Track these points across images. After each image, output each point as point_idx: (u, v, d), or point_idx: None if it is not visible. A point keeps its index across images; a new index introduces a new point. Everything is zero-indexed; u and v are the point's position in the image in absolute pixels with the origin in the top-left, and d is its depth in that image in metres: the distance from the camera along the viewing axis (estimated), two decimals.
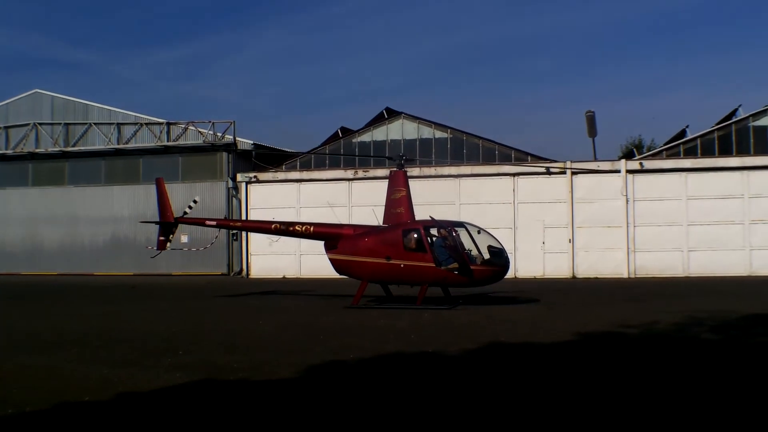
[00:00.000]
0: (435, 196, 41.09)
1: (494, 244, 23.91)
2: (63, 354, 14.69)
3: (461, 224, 24.51)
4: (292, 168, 45.78)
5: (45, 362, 13.72)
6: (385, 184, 26.09)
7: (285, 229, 26.48)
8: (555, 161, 41.97)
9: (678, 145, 42.32)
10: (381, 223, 25.06)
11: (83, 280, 43.12)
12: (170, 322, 20.48)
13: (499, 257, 23.73)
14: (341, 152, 45.06)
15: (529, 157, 43.02)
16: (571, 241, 40.76)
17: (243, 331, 18.13)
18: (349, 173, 43.93)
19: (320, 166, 45.40)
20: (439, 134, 44.27)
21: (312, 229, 25.91)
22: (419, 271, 23.29)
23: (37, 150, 50.71)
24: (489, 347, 14.89)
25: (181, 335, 17.37)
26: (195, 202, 29.43)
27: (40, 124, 50.89)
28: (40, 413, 9.87)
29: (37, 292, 33.71)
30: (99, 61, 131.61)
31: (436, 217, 24.26)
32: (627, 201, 40.36)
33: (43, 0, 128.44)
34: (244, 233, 44.77)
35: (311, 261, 42.28)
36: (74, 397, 10.71)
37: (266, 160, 46.93)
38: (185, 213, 28.66)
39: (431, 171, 42.72)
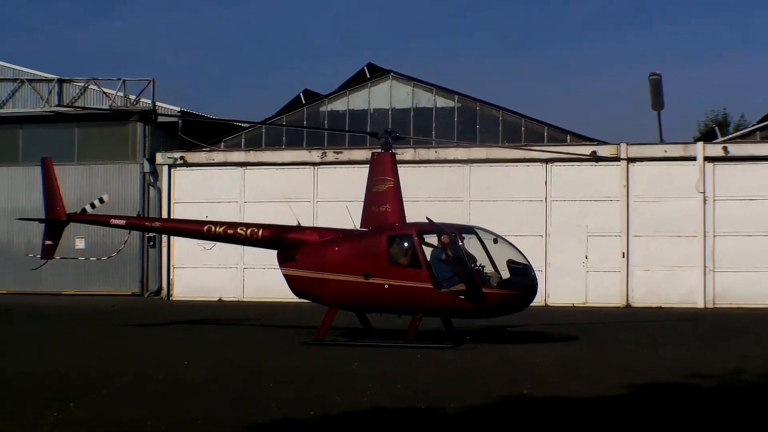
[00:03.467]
0: (435, 190, 41.15)
1: (516, 257, 23.98)
2: None
3: (471, 229, 24.55)
4: (235, 147, 45.73)
5: None
6: (364, 171, 26.13)
7: (223, 232, 26.46)
8: (604, 143, 42.08)
9: None
10: (358, 226, 25.12)
11: None
12: (58, 360, 20.42)
13: (522, 276, 23.80)
14: (304, 125, 45.07)
15: (568, 137, 43.12)
16: (626, 255, 40.90)
17: (161, 375, 18.12)
18: (315, 155, 43.95)
19: (274, 144, 45.37)
20: (442, 102, 44.35)
21: (261, 232, 25.91)
22: (411, 294, 23.32)
23: None
24: (505, 403, 14.95)
25: (74, 379, 17.34)
26: (102, 201, 29.34)
27: None
28: None
29: None
30: None
31: (436, 220, 24.31)
32: (705, 200, 40.50)
33: None
34: (164, 237, 44.68)
35: (259, 277, 42.25)
36: None
37: (198, 134, 46.72)
38: (84, 211, 28.61)
39: (430, 154, 42.81)
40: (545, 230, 41.48)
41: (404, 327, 24.29)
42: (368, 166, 25.61)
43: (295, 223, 26.88)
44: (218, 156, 45.32)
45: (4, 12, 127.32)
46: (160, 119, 47.09)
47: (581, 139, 42.80)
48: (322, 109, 45.49)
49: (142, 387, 16.53)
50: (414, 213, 25.78)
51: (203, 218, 30.48)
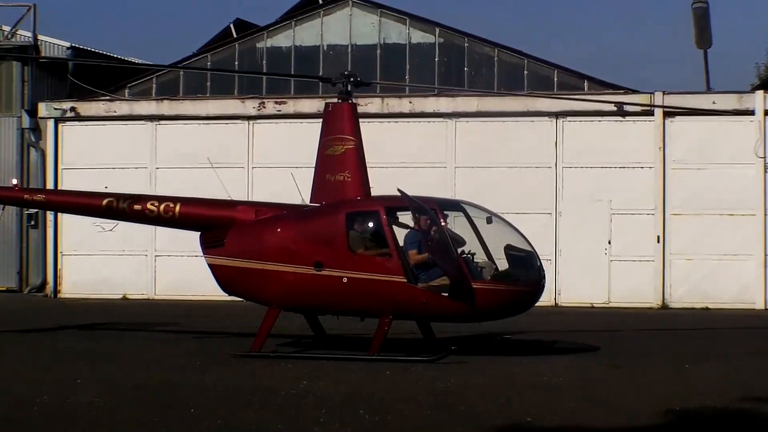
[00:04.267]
0: (411, 153, 41.27)
1: (517, 242, 24.07)
2: None
3: (457, 205, 24.67)
4: (144, 94, 45.63)
5: None
6: (315, 127, 26.15)
7: (128, 207, 26.39)
8: (633, 91, 42.25)
9: None
10: (307, 201, 25.15)
11: None
12: None
13: (525, 267, 23.96)
14: (236, 66, 44.98)
15: (585, 82, 43.22)
16: (661, 239, 41.08)
17: (44, 398, 18.05)
18: (250, 106, 43.87)
19: (196, 92, 45.31)
20: (419, 37, 44.34)
21: (178, 208, 25.86)
22: (377, 290, 23.36)
23: None
24: None
25: None
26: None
27: None
28: None
29: None
30: None
31: (411, 192, 24.32)
32: (766, 168, 40.69)
33: None
34: (50, 214, 44.55)
35: (175, 268, 42.40)
36: None
37: (95, 79, 46.58)
38: None
39: (403, 105, 42.84)
40: (555, 207, 41.67)
41: (369, 334, 24.35)
42: (320, 120, 25.59)
43: (224, 196, 26.89)
44: (121, 107, 45.17)
45: None
46: (44, 58, 46.91)
47: (603, 86, 42.97)
48: (260, 45, 45.41)
49: (19, 415, 16.46)
50: (381, 183, 25.79)
51: (102, 189, 30.43)
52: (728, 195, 40.66)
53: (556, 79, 43.30)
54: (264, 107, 43.74)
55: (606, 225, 41.31)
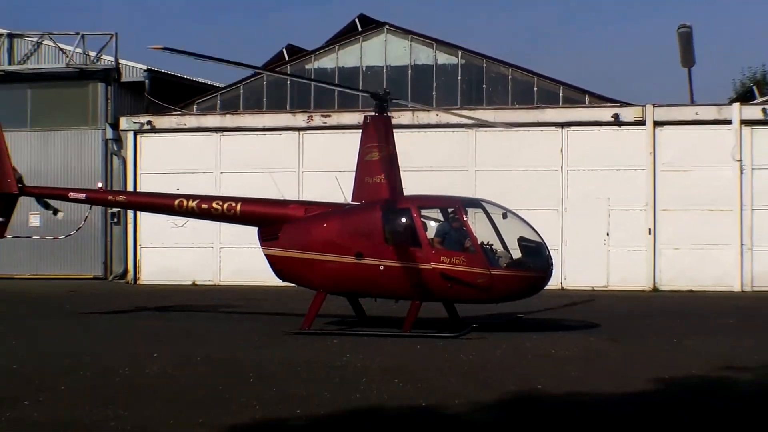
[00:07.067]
0: (437, 158, 41.21)
1: (528, 235, 24.01)
2: None
3: (477, 203, 24.55)
4: (210, 110, 45.65)
5: None
6: (355, 136, 26.10)
7: (196, 206, 26.41)
8: (627, 104, 42.04)
9: None
10: (349, 200, 25.13)
11: None
12: (8, 352, 20.42)
13: (536, 256, 23.86)
14: (288, 86, 44.98)
15: (586, 97, 43.07)
16: (652, 232, 40.94)
17: (125, 369, 18.08)
18: (300, 119, 43.88)
19: (254, 107, 45.30)
20: (444, 59, 44.28)
21: (239, 207, 25.88)
22: (409, 276, 23.39)
23: None
24: (517, 400, 14.96)
25: (27, 375, 17.32)
26: (55, 212, 29.49)
27: None
28: None
29: None
30: None
31: (438, 192, 24.31)
32: (742, 169, 40.51)
33: None
34: (130, 213, 44.65)
35: (237, 258, 42.34)
36: None
37: (168, 96, 46.67)
38: (46, 202, 28.68)
39: (431, 117, 42.71)
40: (561, 204, 41.52)
41: (402, 314, 24.33)
42: (360, 131, 25.55)
43: (278, 197, 26.90)
44: (190, 120, 45.23)
45: None
46: (124, 79, 47.09)
47: (601, 100, 42.78)
48: (308, 66, 45.42)
49: (104, 383, 16.50)
50: (412, 184, 25.75)
51: (174, 191, 30.47)
52: (709, 193, 40.49)
53: (561, 94, 43.17)
54: (312, 120, 43.72)
55: (605, 219, 41.17)
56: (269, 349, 21.38)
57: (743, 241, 40.34)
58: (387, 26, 44.94)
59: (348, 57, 45.01)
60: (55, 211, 30.06)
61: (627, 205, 41.13)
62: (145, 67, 47.46)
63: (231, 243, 41.97)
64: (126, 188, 44.08)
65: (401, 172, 25.05)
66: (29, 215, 43.55)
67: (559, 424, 13.41)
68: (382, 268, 23.57)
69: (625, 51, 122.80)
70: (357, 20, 47.52)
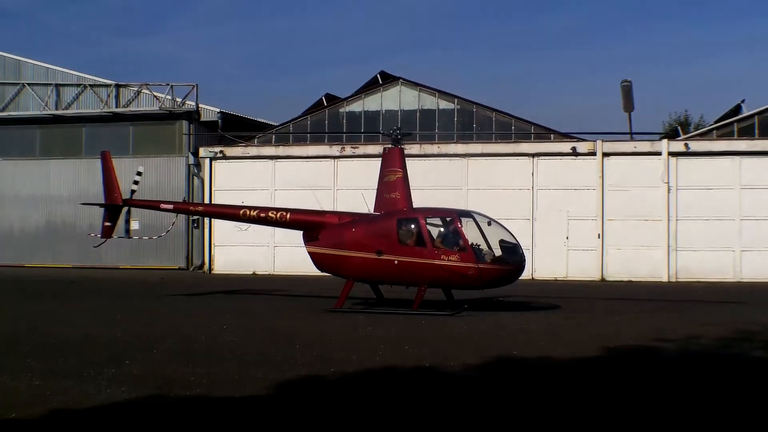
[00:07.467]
0: (438, 179, 41.20)
1: (507, 238, 23.98)
2: None
3: (468, 214, 24.54)
4: (266, 142, 45.75)
5: None
6: (377, 163, 26.12)
7: (256, 215, 26.51)
8: (583, 139, 41.98)
9: (732, 123, 42.44)
10: (372, 211, 25.14)
11: (11, 273, 43.01)
12: (115, 325, 20.45)
13: (512, 254, 23.81)
14: (326, 124, 45.03)
15: (552, 135, 43.08)
16: (601, 236, 40.83)
17: (202, 338, 18.14)
18: (335, 150, 43.92)
19: (300, 140, 45.34)
20: (443, 104, 44.29)
21: (289, 216, 25.94)
22: (417, 269, 23.41)
23: None
24: (496, 363, 14.94)
25: (128, 341, 17.36)
26: (139, 174, 29.20)
27: None
28: None
29: None
30: (24, 5, 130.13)
31: (438, 205, 24.29)
32: (669, 189, 40.43)
33: None
34: (206, 220, 44.75)
35: (287, 254, 42.33)
36: None
37: (235, 132, 46.85)
38: (133, 192, 28.61)
39: (434, 149, 42.73)
40: (532, 215, 41.45)
41: (411, 297, 24.33)
42: (381, 159, 25.63)
43: (318, 208, 26.95)
44: (252, 150, 45.34)
45: (71, 27, 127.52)
46: (203, 119, 47.31)
47: (563, 136, 42.81)
48: (341, 110, 45.47)
49: (186, 348, 16.53)
50: (420, 199, 25.75)
51: (239, 203, 30.55)
52: (644, 207, 40.53)
53: (533, 131, 43.18)
54: (344, 150, 43.73)
55: (565, 227, 41.11)
56: (310, 322, 21.36)
57: (670, 244, 40.33)
58: (401, 80, 44.95)
59: (371, 103, 45.05)
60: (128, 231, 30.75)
61: (582, 215, 41.08)
62: (218, 110, 47.58)
63: (282, 243, 41.97)
64: (203, 201, 44.20)
65: (411, 190, 25.07)
66: (131, 220, 43.67)
67: (530, 380, 13.41)
68: (396, 262, 23.58)
69: (582, 98, 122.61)
70: (378, 75, 47.69)
